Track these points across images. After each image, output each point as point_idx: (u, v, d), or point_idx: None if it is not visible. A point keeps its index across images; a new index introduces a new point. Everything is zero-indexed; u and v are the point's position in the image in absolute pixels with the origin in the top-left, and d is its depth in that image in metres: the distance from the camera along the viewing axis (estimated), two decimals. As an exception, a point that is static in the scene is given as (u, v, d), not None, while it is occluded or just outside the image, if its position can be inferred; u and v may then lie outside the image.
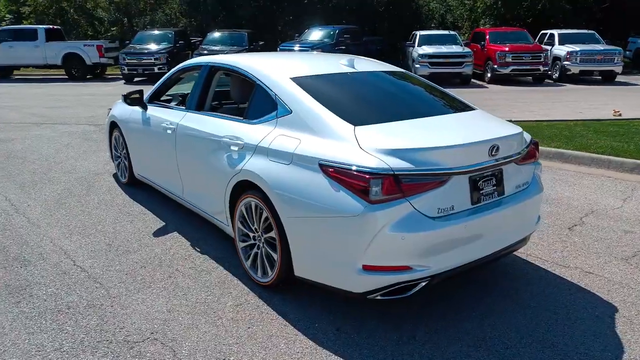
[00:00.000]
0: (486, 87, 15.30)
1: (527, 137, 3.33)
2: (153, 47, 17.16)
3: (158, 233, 4.17)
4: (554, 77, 16.65)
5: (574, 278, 3.47)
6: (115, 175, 5.69)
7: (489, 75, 16.28)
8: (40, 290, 3.23)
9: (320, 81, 3.36)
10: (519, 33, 17.53)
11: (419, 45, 16.38)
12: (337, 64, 3.70)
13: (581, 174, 6.05)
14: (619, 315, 3.01)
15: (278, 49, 16.80)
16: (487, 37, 16.99)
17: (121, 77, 17.27)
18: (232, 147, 3.35)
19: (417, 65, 15.61)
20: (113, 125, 5.35)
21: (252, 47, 17.00)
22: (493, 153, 2.84)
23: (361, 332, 2.82)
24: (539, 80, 16.38)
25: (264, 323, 2.90)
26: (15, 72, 19.38)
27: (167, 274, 3.47)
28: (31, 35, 17.62)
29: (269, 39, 20.55)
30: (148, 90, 4.83)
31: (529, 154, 3.24)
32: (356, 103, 3.25)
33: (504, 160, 2.95)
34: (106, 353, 2.60)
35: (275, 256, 3.06)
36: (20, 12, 23.85)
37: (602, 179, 5.84)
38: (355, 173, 2.58)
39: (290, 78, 3.30)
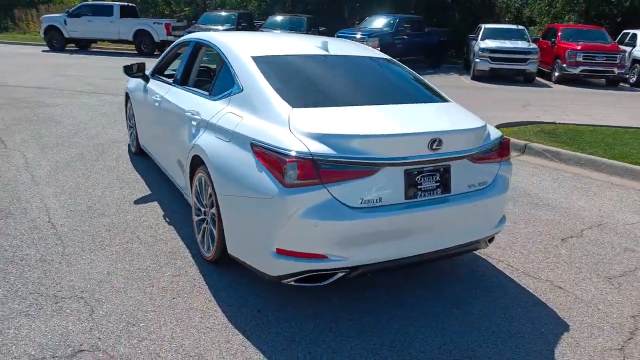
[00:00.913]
0: (550, 87, 14.31)
1: (495, 134, 3.09)
2: (215, 27, 17.64)
3: (139, 201, 4.32)
4: (630, 81, 15.28)
5: (537, 291, 3.20)
6: (129, 145, 5.95)
7: (556, 74, 15.20)
8: (6, 241, 3.46)
9: (282, 61, 3.30)
10: (596, 31, 16.22)
11: (482, 38, 15.60)
12: (311, 45, 3.61)
13: (609, 184, 5.53)
14: (567, 335, 2.74)
15: (335, 35, 16.69)
16: (559, 34, 15.86)
17: (185, 55, 17.97)
18: (192, 122, 3.39)
19: (477, 60, 14.89)
20: (127, 97, 5.59)
21: (310, 32, 17.00)
22: (434, 147, 2.65)
23: (280, 316, 2.77)
24: (613, 83, 15.11)
25: (190, 295, 2.93)
26: (93, 45, 20.71)
27: (126, 240, 3.59)
28: (107, 11, 18.71)
29: (334, 25, 20.42)
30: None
31: (495, 153, 3.01)
32: (309, 85, 3.15)
33: (452, 156, 2.76)
34: (31, 304, 2.75)
35: (215, 232, 3.07)
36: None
37: (630, 191, 5.31)
38: (275, 155, 2.52)
39: (252, 56, 3.26)
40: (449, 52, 20.77)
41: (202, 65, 4.28)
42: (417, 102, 3.19)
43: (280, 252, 2.55)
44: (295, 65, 3.30)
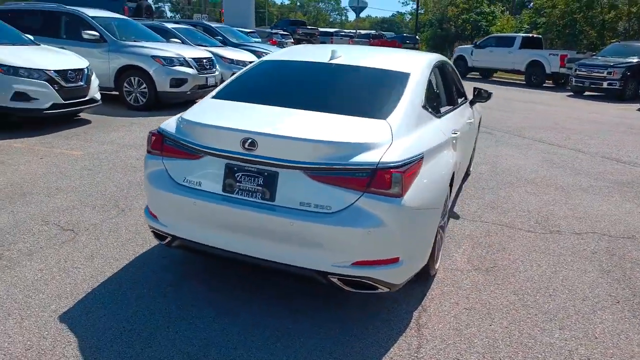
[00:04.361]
0: None
1: (373, 158, 2.48)
2: (615, 59, 15.44)
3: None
4: None
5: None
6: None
7: None
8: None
9: (275, 65, 3.70)
10: None
11: None
12: (322, 54, 3.64)
13: None
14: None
15: None
16: None
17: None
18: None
19: None
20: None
21: None
22: (246, 146, 2.58)
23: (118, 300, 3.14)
24: None
25: (115, 257, 3.48)
26: (494, 74, 21.82)
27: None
28: (509, 42, 19.37)
29: None
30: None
31: (357, 178, 2.49)
32: (257, 84, 3.43)
33: (275, 162, 2.57)
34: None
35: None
36: (536, 23, 25.80)
37: None
38: (160, 129, 3.12)
39: (265, 59, 3.77)
40: None
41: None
42: (335, 113, 2.92)
43: (147, 208, 3.14)
44: (281, 69, 3.60)
